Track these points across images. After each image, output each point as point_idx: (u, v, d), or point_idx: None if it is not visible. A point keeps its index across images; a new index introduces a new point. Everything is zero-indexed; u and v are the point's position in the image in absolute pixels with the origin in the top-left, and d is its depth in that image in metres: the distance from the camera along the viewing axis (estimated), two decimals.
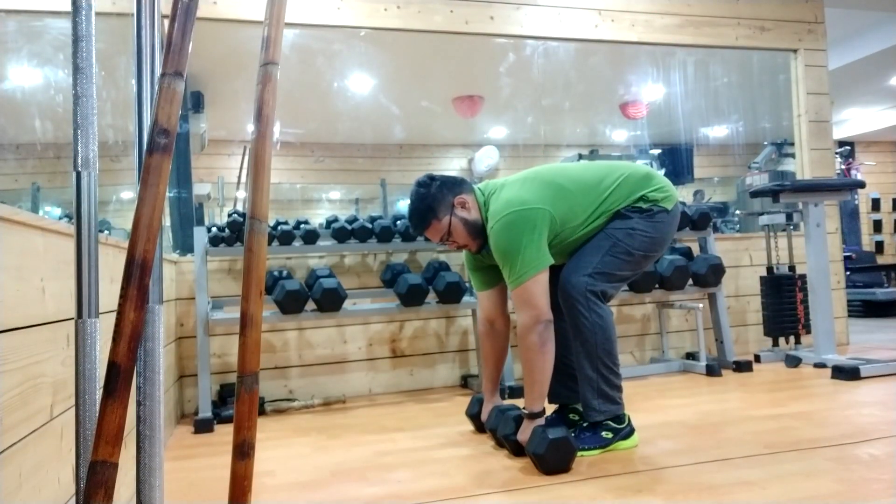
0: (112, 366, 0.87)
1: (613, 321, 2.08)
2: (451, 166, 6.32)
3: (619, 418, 2.07)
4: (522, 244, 1.98)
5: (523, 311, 2.00)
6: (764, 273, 3.87)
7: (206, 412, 2.72)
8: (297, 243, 3.12)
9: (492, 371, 2.40)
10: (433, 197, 2.12)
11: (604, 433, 2.04)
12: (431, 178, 2.16)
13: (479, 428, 2.38)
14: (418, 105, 5.59)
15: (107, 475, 0.85)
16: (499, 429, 2.12)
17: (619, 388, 2.09)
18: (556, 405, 2.33)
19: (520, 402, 2.92)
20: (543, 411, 2.03)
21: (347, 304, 2.98)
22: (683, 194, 6.30)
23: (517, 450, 2.04)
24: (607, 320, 2.05)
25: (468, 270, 2.38)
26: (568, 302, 2.04)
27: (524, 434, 1.98)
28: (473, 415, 2.40)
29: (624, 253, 2.07)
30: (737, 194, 5.97)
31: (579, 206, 2.09)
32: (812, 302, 3.43)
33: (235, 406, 0.97)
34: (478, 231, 2.15)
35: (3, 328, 0.91)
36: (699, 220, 3.56)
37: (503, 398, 2.97)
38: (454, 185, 2.15)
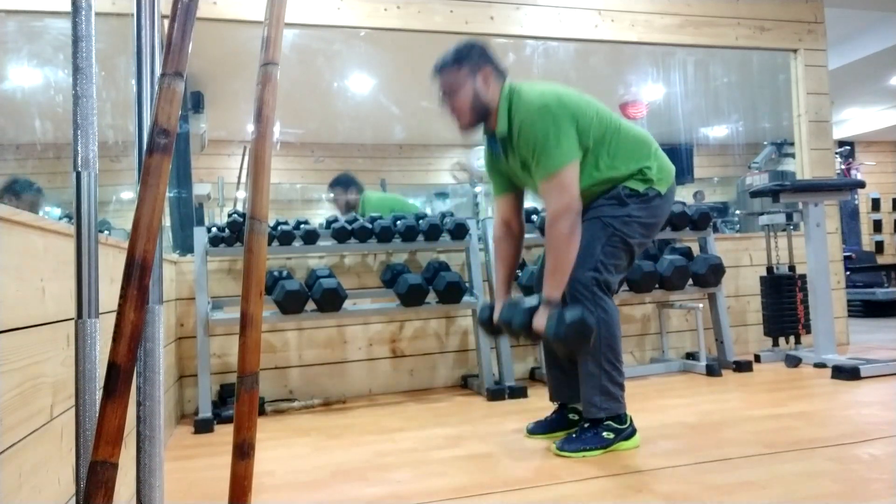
0: (112, 366, 0.87)
1: (618, 318, 2.08)
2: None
3: (621, 418, 2.07)
4: (562, 130, 1.98)
5: (557, 198, 1.98)
6: (764, 273, 3.87)
7: (206, 412, 2.72)
8: (297, 243, 3.12)
9: (505, 274, 2.33)
10: (468, 55, 2.14)
11: (605, 433, 2.04)
12: (478, 42, 2.19)
13: (492, 331, 2.29)
14: (418, 105, 5.58)
15: (107, 475, 0.85)
16: (513, 321, 2.05)
17: (621, 387, 2.08)
18: (557, 404, 2.33)
19: (522, 402, 2.92)
20: (560, 299, 2.01)
21: (347, 304, 2.98)
22: (683, 195, 6.31)
23: (532, 338, 2.01)
24: (612, 316, 2.05)
25: (487, 172, 2.32)
26: (574, 297, 2.04)
27: (539, 321, 1.96)
28: (485, 320, 2.30)
29: (621, 241, 2.10)
30: (737, 194, 5.97)
31: (597, 133, 2.09)
32: (812, 302, 3.43)
33: (235, 406, 0.97)
34: (479, 111, 2.14)
35: (3, 328, 0.91)
36: (699, 220, 3.56)
37: (504, 397, 2.97)
38: (490, 60, 2.15)
